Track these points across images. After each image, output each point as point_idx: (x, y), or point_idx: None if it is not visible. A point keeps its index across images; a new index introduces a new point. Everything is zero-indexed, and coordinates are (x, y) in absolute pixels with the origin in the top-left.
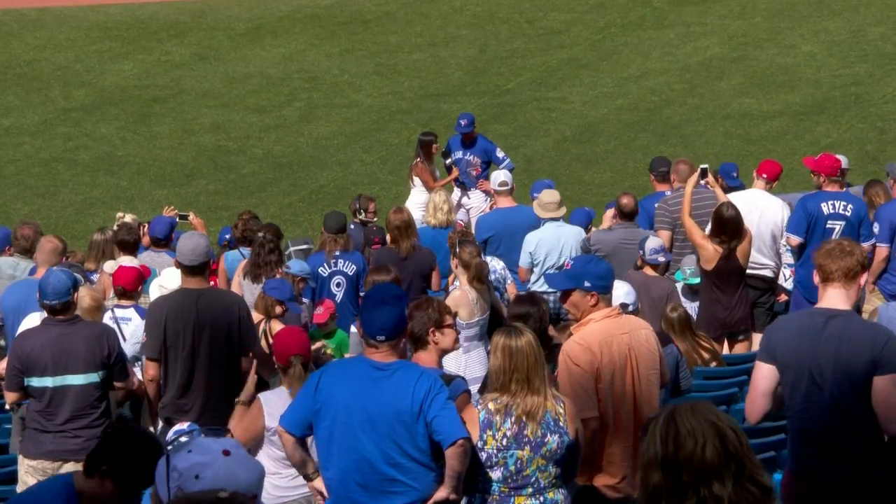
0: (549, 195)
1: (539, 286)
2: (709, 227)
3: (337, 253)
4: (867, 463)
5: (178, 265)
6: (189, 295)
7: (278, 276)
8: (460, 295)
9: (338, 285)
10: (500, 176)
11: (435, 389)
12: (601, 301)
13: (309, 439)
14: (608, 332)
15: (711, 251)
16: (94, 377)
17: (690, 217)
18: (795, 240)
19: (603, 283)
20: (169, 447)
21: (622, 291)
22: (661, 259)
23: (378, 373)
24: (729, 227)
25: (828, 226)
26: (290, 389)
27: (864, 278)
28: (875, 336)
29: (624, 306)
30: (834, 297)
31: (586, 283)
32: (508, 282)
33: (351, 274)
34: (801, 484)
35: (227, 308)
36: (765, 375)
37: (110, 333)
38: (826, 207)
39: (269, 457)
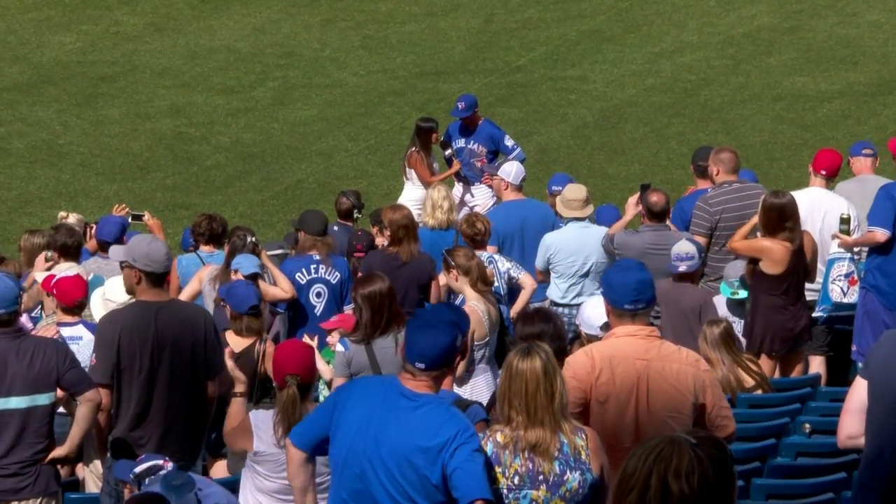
0: (574, 191)
1: (572, 298)
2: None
3: (318, 257)
4: None
5: (139, 274)
6: (147, 309)
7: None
8: (469, 313)
9: (318, 295)
10: (521, 170)
11: (463, 437)
12: (614, 315)
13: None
14: (622, 351)
15: (781, 250)
16: (41, 399)
17: (743, 238)
18: (883, 234)
19: (613, 294)
20: (132, 480)
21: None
22: (682, 268)
23: (403, 401)
24: (788, 213)
25: None
26: (280, 414)
27: None
28: None
29: (609, 326)
30: None
31: (602, 289)
32: (521, 274)
33: (334, 282)
34: None
35: (192, 324)
36: (855, 389)
37: (61, 347)
38: None
39: (256, 489)
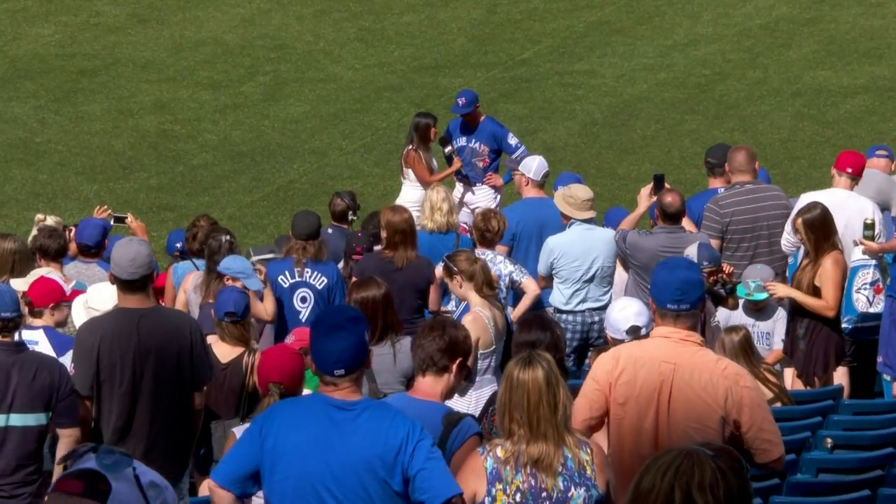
0: (584, 191)
1: (576, 304)
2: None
3: (305, 261)
4: None
5: (113, 279)
6: (128, 316)
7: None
8: (473, 319)
9: (303, 300)
10: (543, 165)
11: (415, 435)
12: (658, 314)
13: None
14: (649, 352)
15: (843, 259)
16: (42, 419)
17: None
18: None
19: (656, 292)
20: None
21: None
22: None
23: (341, 413)
24: (832, 217)
25: None
26: None
27: None
28: None
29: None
30: None
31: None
32: (524, 278)
33: (320, 288)
34: None
35: (176, 332)
36: None
37: (65, 371)
38: None
39: None
